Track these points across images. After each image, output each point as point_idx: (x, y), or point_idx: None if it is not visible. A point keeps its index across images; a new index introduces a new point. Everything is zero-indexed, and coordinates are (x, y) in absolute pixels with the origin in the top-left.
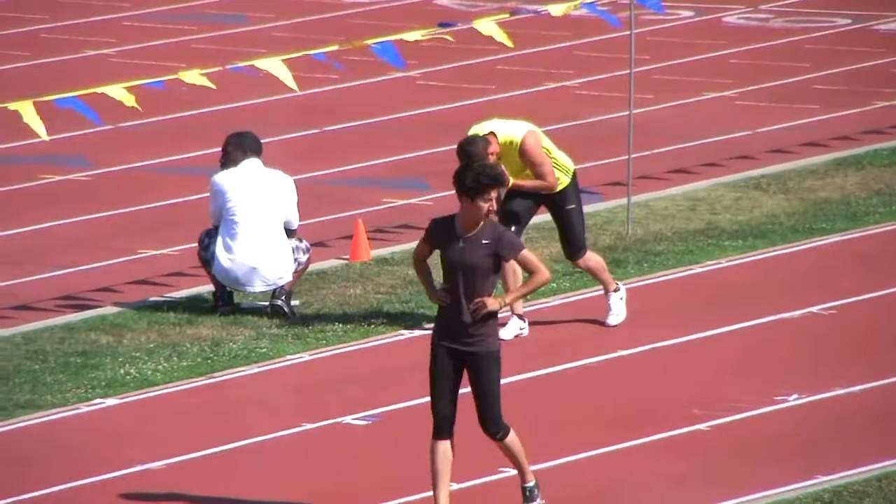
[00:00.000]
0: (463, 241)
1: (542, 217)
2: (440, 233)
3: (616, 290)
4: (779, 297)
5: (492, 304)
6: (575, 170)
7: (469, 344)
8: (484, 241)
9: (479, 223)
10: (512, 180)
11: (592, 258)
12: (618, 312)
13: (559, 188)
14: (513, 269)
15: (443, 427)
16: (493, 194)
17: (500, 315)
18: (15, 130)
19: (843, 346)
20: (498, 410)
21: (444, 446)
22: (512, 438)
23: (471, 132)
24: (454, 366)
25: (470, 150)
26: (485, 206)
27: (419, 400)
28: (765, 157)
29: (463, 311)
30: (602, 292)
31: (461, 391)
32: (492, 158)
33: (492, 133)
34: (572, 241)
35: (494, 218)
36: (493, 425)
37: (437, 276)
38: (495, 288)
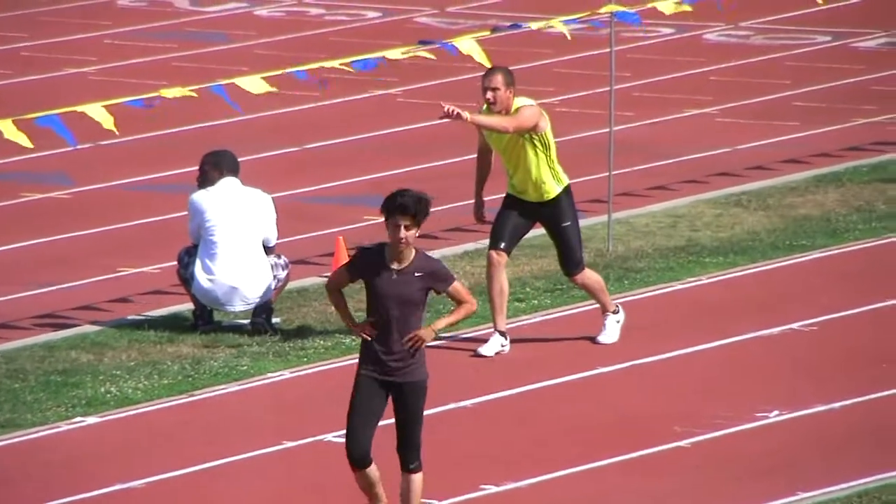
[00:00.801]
0: (396, 274)
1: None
2: (369, 263)
3: (615, 312)
4: (759, 313)
5: (427, 336)
6: (569, 184)
7: (399, 374)
8: (417, 274)
9: (410, 254)
10: (469, 115)
11: (591, 276)
12: (611, 334)
13: (550, 198)
14: (500, 287)
15: (361, 464)
16: (402, 222)
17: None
18: None
19: (823, 362)
20: (419, 441)
21: (369, 469)
22: (421, 477)
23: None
24: (380, 397)
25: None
26: (395, 230)
27: None
28: (745, 174)
29: (393, 342)
30: (596, 307)
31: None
32: (489, 95)
33: (506, 75)
34: (570, 257)
35: (409, 248)
36: (413, 455)
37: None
38: (423, 321)
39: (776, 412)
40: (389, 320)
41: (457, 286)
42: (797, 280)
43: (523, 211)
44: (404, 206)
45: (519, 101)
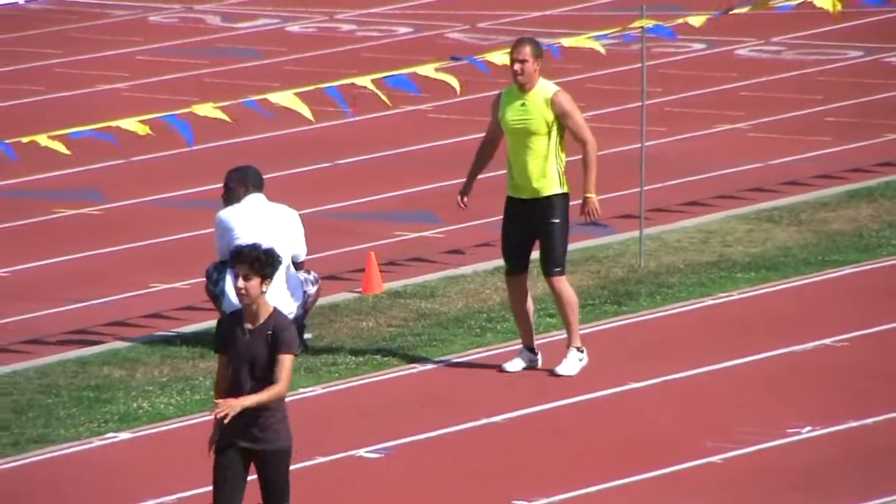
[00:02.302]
0: (249, 334)
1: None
2: (228, 329)
3: (581, 351)
4: (791, 329)
5: (234, 406)
6: (568, 194)
7: (259, 441)
8: (268, 333)
9: (263, 313)
10: (593, 195)
11: (568, 289)
12: (571, 367)
13: (547, 194)
14: (521, 307)
15: None
16: (241, 272)
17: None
18: (29, 165)
19: (856, 378)
20: None
21: None
22: None
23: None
24: (242, 466)
25: None
26: (234, 280)
27: (432, 433)
28: (777, 189)
29: (247, 408)
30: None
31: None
32: (517, 67)
33: (534, 47)
34: (552, 255)
35: (259, 305)
36: None
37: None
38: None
39: (808, 428)
40: (241, 382)
41: (286, 359)
42: (829, 296)
43: (521, 217)
44: (239, 254)
45: (545, 85)
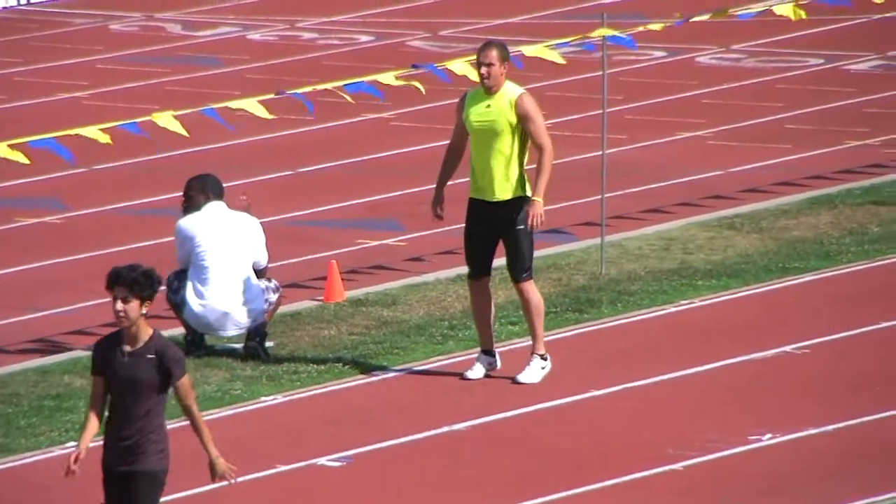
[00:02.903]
0: (128, 357)
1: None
2: (105, 352)
3: (544, 359)
4: (752, 336)
5: (224, 465)
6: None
7: (128, 463)
8: (149, 356)
9: (143, 335)
10: (540, 198)
11: (536, 295)
12: (533, 374)
13: (510, 197)
14: (482, 311)
15: None
16: (119, 294)
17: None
18: None
19: (816, 385)
20: None
21: None
22: None
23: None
24: (120, 492)
25: None
26: (112, 303)
27: (394, 441)
28: (738, 197)
29: (123, 428)
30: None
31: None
32: (483, 70)
33: (501, 50)
34: (519, 260)
35: (139, 327)
36: None
37: None
38: (164, 408)
39: (769, 435)
40: (121, 406)
41: (185, 383)
42: (790, 303)
43: (484, 220)
44: (118, 276)
45: (511, 87)
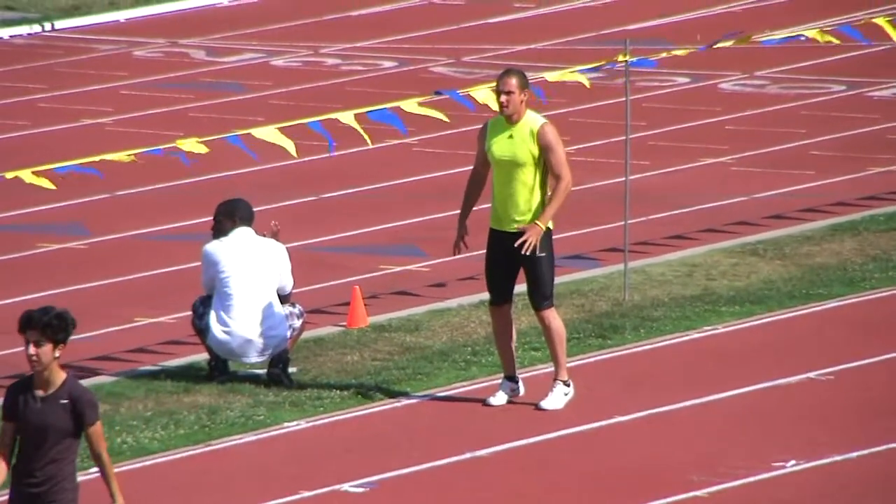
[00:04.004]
0: (41, 402)
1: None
2: (17, 397)
3: (567, 385)
4: (776, 362)
5: None
6: (551, 230)
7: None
8: (62, 401)
9: (56, 379)
10: (541, 224)
11: (557, 322)
12: (556, 401)
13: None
14: (504, 337)
15: None
16: (31, 338)
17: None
18: (13, 199)
19: (840, 412)
20: None
21: None
22: None
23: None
24: None
25: None
26: (25, 347)
27: (417, 467)
28: (761, 223)
29: (34, 471)
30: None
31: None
32: (503, 98)
33: (520, 78)
34: (541, 289)
35: (52, 371)
36: None
37: None
38: (77, 454)
39: (793, 462)
40: (32, 453)
41: (97, 430)
42: (814, 329)
43: (504, 251)
44: (30, 319)
45: (533, 117)
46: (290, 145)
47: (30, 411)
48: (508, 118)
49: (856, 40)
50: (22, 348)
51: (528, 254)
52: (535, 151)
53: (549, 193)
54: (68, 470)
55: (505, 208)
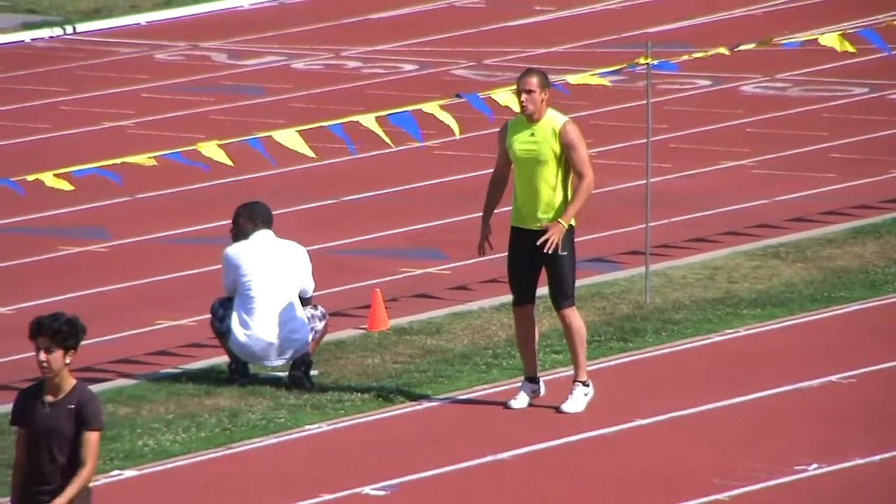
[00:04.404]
0: (49, 407)
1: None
2: (26, 403)
3: (586, 385)
4: (798, 365)
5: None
6: (574, 228)
7: None
8: (69, 406)
9: (66, 385)
10: (564, 222)
11: (578, 321)
12: (577, 403)
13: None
14: (526, 337)
15: None
16: (41, 344)
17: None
18: (34, 202)
19: (862, 415)
20: None
21: None
22: None
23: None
24: None
25: None
26: (35, 353)
27: (438, 470)
28: (783, 226)
29: (46, 477)
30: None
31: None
32: (524, 97)
33: (541, 77)
34: (562, 288)
35: (62, 377)
36: None
37: None
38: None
39: (815, 465)
40: (40, 458)
41: (92, 437)
42: (835, 332)
43: (527, 249)
44: (40, 325)
45: (555, 115)
46: (306, 149)
47: (38, 416)
48: (529, 117)
49: (877, 47)
50: None
51: (550, 252)
52: (557, 149)
53: (571, 192)
54: None
55: (527, 206)
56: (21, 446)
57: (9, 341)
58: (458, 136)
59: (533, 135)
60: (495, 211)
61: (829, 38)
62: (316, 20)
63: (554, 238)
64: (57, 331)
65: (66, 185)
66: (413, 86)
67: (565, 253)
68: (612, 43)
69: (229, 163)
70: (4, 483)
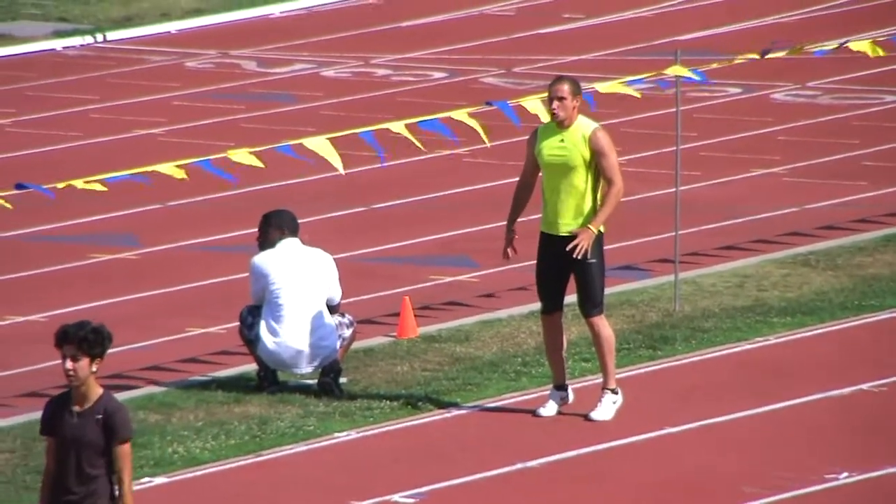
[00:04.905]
0: (77, 417)
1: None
2: (54, 412)
3: (615, 393)
4: (828, 374)
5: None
6: (602, 234)
7: None
8: (97, 416)
9: (93, 395)
10: (593, 228)
11: (607, 329)
12: (606, 411)
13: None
14: (554, 346)
15: None
16: (68, 353)
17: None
18: (65, 210)
19: (893, 423)
20: None
21: None
22: None
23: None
24: None
25: None
26: (62, 362)
27: (467, 478)
28: (813, 234)
29: (70, 486)
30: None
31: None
32: (555, 104)
33: (572, 84)
34: (591, 295)
35: (88, 386)
36: None
37: None
38: (112, 471)
39: (845, 474)
40: (67, 467)
41: (125, 450)
42: (866, 340)
43: (555, 255)
44: (66, 334)
45: (585, 122)
46: (336, 159)
47: (66, 426)
48: (560, 123)
49: None
50: None
51: (578, 258)
52: (587, 155)
53: (600, 199)
54: (105, 485)
55: (556, 212)
56: (50, 455)
57: (42, 348)
58: (488, 144)
59: (563, 141)
60: (523, 218)
61: (861, 44)
62: (345, 28)
63: (583, 244)
64: (83, 339)
65: (98, 187)
66: (443, 94)
67: (594, 260)
68: (642, 51)
69: (260, 165)
70: (35, 489)
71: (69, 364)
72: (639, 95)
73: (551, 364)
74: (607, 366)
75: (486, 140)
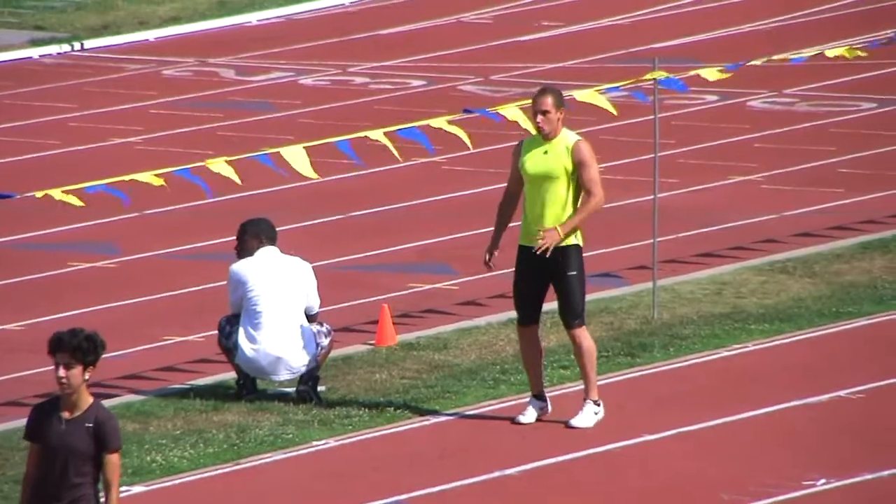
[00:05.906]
0: (65, 424)
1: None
2: (42, 418)
3: (597, 405)
4: (806, 380)
5: None
6: (581, 246)
7: None
8: (87, 425)
9: (83, 403)
10: (560, 230)
11: (588, 340)
12: (586, 419)
13: (565, 245)
14: (532, 356)
15: None
16: (61, 360)
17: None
18: (44, 218)
19: (871, 430)
20: None
21: None
22: None
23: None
24: None
25: None
26: (55, 369)
27: (446, 486)
28: (791, 241)
29: (59, 495)
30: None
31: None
32: (539, 118)
33: (556, 97)
34: (572, 307)
35: (79, 395)
36: None
37: None
38: (98, 479)
39: (823, 480)
40: (52, 474)
41: (115, 459)
42: (844, 347)
43: (534, 267)
44: (60, 341)
45: (568, 134)
46: (308, 170)
47: (53, 433)
48: (545, 136)
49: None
50: (52, 367)
51: (539, 254)
52: (570, 167)
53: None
54: (90, 493)
55: (536, 223)
56: (32, 461)
57: (18, 357)
58: (471, 149)
59: (546, 152)
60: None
61: (838, 50)
62: (323, 36)
63: (546, 243)
64: (77, 347)
65: (75, 200)
66: (421, 101)
67: (574, 272)
68: (620, 58)
69: (237, 180)
70: (13, 499)
71: (62, 372)
72: (615, 112)
73: (529, 375)
74: (588, 377)
75: (469, 144)
